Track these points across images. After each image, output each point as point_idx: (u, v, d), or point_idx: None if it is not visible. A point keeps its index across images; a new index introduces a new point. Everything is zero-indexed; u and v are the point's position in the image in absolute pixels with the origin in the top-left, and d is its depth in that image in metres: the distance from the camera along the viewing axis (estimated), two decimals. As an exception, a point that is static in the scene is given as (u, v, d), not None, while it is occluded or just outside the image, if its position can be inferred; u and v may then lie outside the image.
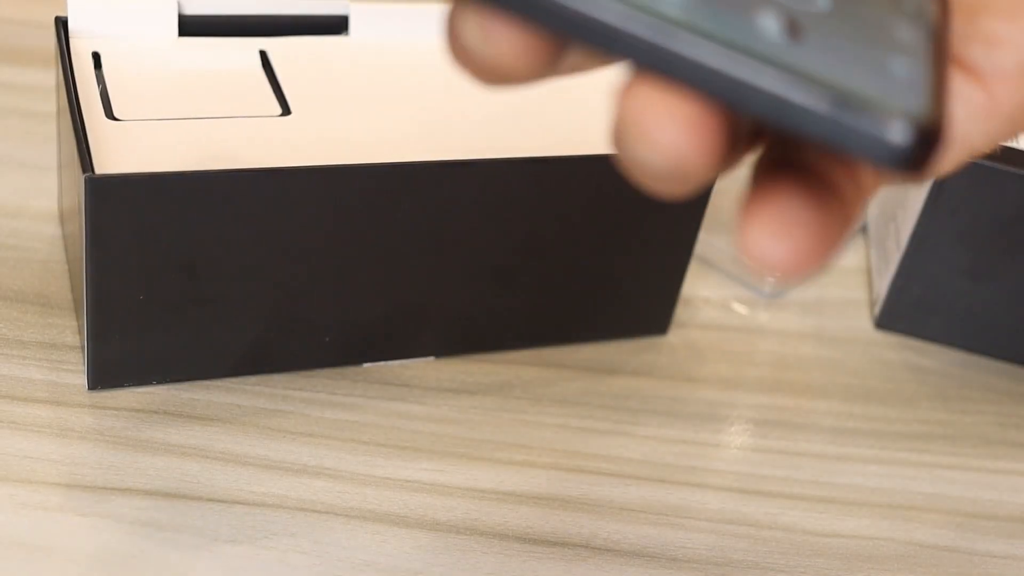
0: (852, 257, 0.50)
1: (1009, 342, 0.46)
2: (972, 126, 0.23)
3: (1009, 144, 0.44)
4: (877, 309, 0.47)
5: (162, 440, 0.37)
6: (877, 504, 0.39)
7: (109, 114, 0.37)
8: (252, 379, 0.39)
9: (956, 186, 0.43)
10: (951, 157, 0.23)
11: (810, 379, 0.44)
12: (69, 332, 0.40)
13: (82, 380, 0.38)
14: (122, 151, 0.36)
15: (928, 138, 0.18)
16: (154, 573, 0.33)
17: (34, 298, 0.41)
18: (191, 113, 0.38)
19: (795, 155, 0.21)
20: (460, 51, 0.19)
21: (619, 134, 0.19)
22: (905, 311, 0.46)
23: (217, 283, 0.37)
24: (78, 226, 0.36)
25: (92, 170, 0.34)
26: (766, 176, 0.20)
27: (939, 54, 0.21)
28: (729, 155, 0.20)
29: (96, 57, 0.39)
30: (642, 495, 0.38)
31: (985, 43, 0.23)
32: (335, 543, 0.34)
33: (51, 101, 0.49)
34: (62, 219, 0.43)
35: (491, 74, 0.19)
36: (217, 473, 0.36)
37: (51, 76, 0.52)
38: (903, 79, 0.19)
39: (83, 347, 0.38)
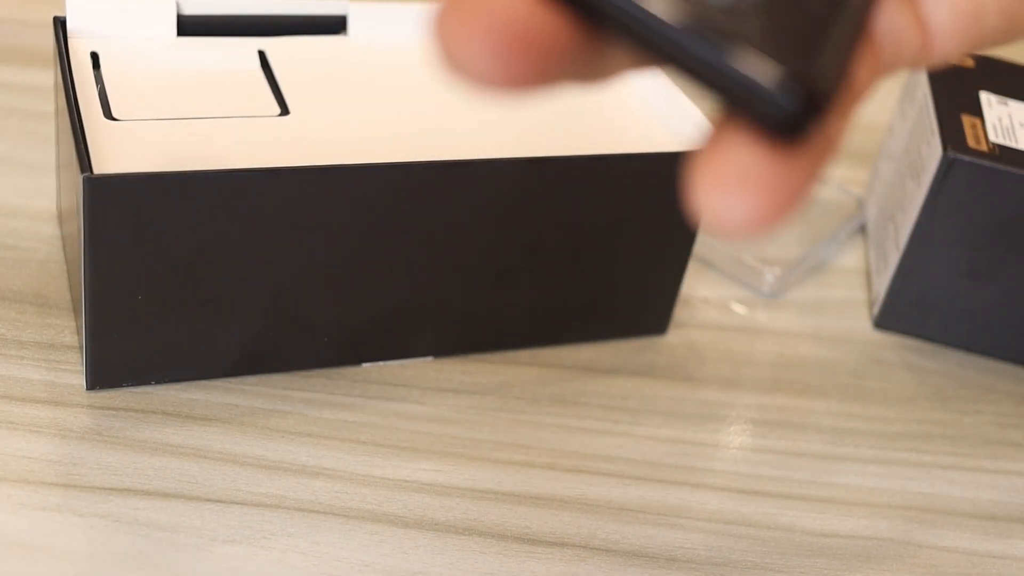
0: (851, 257, 0.50)
1: (1008, 342, 0.46)
2: (988, 1, 0.21)
3: (1009, 144, 0.44)
4: (876, 309, 0.47)
5: (160, 440, 0.37)
6: (876, 504, 0.39)
7: (108, 114, 0.37)
8: (250, 379, 0.39)
9: (955, 186, 0.43)
10: (966, 34, 0.21)
11: (809, 379, 0.44)
12: (68, 332, 0.40)
13: (80, 380, 0.38)
14: (121, 151, 0.36)
15: (814, 101, 0.17)
16: (152, 573, 0.33)
17: (33, 298, 0.41)
18: (190, 113, 0.38)
19: None
20: (443, 53, 0.17)
21: (438, 62, 0.17)
22: (904, 311, 0.46)
23: (215, 283, 0.37)
24: (77, 226, 0.36)
25: (91, 170, 0.34)
26: (722, 123, 0.18)
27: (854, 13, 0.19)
28: (560, 67, 0.17)
29: (95, 57, 0.39)
30: (641, 495, 0.38)
31: None
32: (333, 543, 0.34)
33: (50, 101, 0.49)
34: (61, 219, 0.43)
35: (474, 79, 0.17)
36: (215, 473, 0.36)
37: (50, 76, 0.52)
38: (803, 34, 0.18)
39: (81, 347, 0.38)
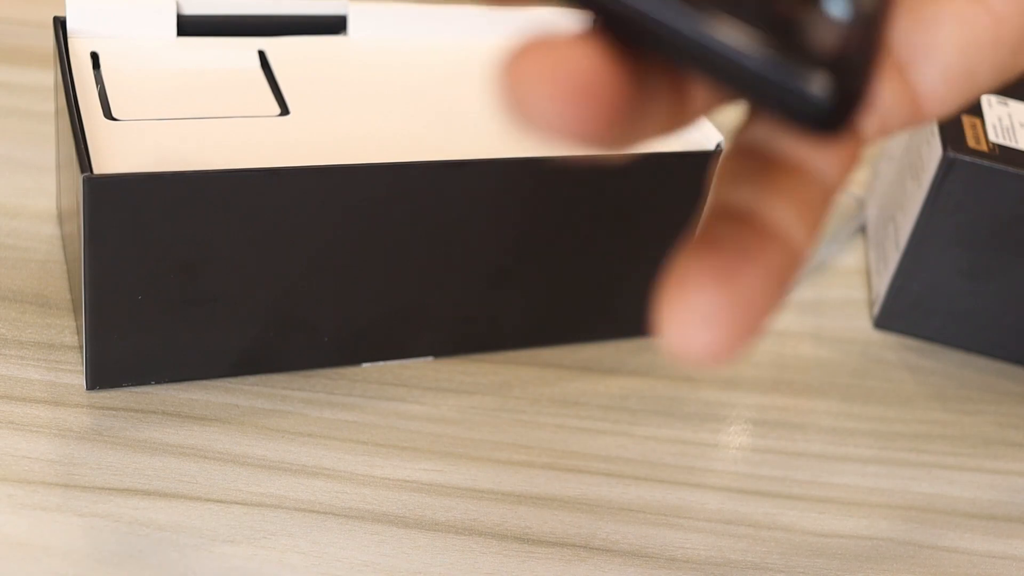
0: (851, 257, 0.50)
1: (1008, 342, 0.46)
2: (980, 58, 0.21)
3: (1009, 144, 0.44)
4: (876, 309, 0.47)
5: (160, 440, 0.37)
6: (876, 504, 0.39)
7: (108, 114, 0.37)
8: (250, 379, 0.39)
9: (955, 186, 0.43)
10: (958, 93, 0.21)
11: (809, 379, 0.44)
12: (68, 332, 0.40)
13: (80, 380, 0.38)
14: (120, 151, 0.36)
15: (849, 98, 0.18)
16: (152, 573, 0.33)
17: (33, 298, 0.41)
18: (190, 113, 0.38)
19: (732, 195, 0.20)
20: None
21: (505, 107, 0.17)
22: (904, 311, 0.46)
23: (215, 283, 0.37)
24: (77, 226, 0.36)
25: (91, 170, 0.34)
26: (689, 253, 0.19)
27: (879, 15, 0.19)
28: (631, 122, 0.18)
29: (95, 57, 0.39)
30: (641, 495, 0.38)
31: (912, 18, 0.21)
32: (333, 543, 0.34)
33: (50, 101, 0.49)
34: (61, 219, 0.43)
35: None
36: (215, 473, 0.36)
37: (50, 76, 0.52)
38: (833, 34, 0.18)
39: (81, 347, 0.38)
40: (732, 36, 0.18)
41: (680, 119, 0.19)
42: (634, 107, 0.17)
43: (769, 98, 0.18)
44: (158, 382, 0.38)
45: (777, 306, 0.19)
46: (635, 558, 0.36)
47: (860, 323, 0.47)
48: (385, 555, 0.34)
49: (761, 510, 0.38)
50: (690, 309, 0.18)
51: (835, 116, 0.18)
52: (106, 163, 0.35)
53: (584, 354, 0.43)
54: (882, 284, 0.47)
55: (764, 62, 0.18)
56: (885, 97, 0.20)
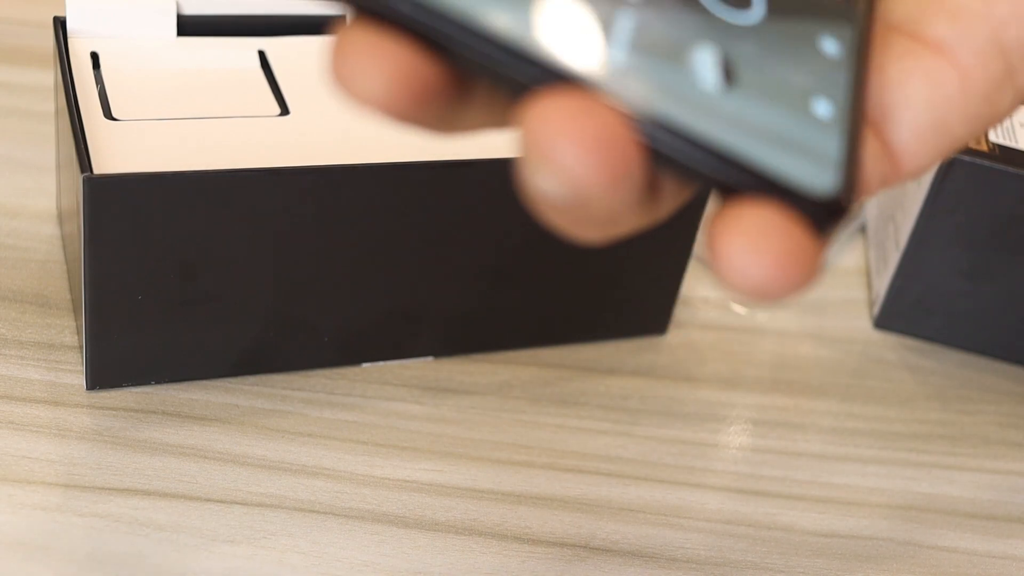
0: (851, 257, 0.50)
1: (1008, 342, 0.46)
2: (950, 111, 0.21)
3: (1009, 144, 0.44)
4: (876, 309, 0.47)
5: (160, 440, 0.37)
6: (876, 504, 0.39)
7: (108, 114, 0.37)
8: (250, 379, 0.39)
9: (955, 186, 0.43)
10: (933, 148, 0.21)
11: (809, 379, 0.44)
12: (68, 332, 0.40)
13: (80, 380, 0.38)
14: (120, 151, 0.36)
15: (839, 204, 0.19)
16: (152, 573, 0.33)
17: (33, 298, 0.41)
18: (190, 113, 0.38)
19: None
20: (343, 80, 0.17)
21: (523, 159, 0.17)
22: (904, 311, 0.46)
23: (215, 283, 0.37)
24: (77, 226, 0.36)
25: (91, 170, 0.34)
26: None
27: (858, 104, 0.20)
28: (644, 198, 0.18)
29: (95, 57, 0.39)
30: (641, 495, 0.38)
31: (949, 15, 0.21)
32: (333, 543, 0.34)
33: (50, 101, 0.49)
34: (61, 219, 0.43)
35: (377, 107, 0.18)
36: (215, 473, 0.36)
37: (50, 76, 0.52)
38: (823, 134, 0.19)
39: (81, 347, 0.38)
40: (730, 138, 0.18)
41: (654, 213, 0.20)
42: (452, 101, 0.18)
43: (767, 196, 0.18)
44: (158, 382, 0.38)
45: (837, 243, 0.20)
46: (635, 558, 0.36)
47: (860, 323, 0.47)
48: (385, 555, 0.34)
49: (761, 510, 0.38)
50: (748, 223, 0.18)
51: (834, 212, 0.19)
52: (106, 163, 0.35)
53: (584, 354, 0.43)
54: (882, 284, 0.47)
55: (766, 167, 0.18)
56: (864, 157, 0.21)
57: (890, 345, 0.46)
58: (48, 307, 0.41)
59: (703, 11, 0.20)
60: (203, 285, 0.37)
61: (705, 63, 0.19)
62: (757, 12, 0.20)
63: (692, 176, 0.19)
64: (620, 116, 0.17)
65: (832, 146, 0.19)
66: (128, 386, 0.38)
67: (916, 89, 0.21)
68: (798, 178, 0.18)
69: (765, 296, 0.18)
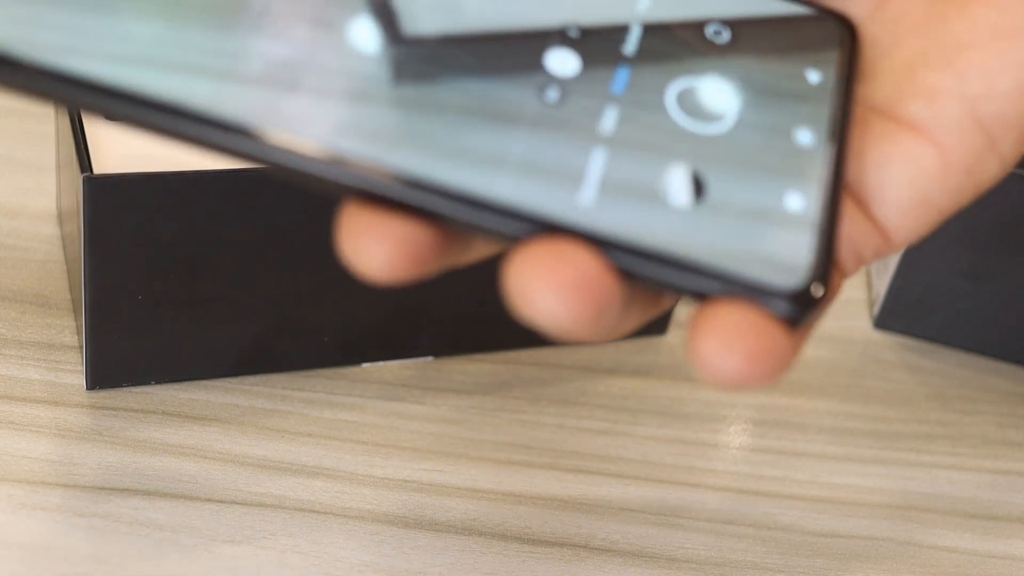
0: (851, 257, 0.50)
1: (1009, 342, 0.46)
2: (932, 187, 0.22)
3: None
4: (876, 309, 0.47)
5: (160, 440, 0.37)
6: (876, 504, 0.39)
7: (108, 114, 0.37)
8: (251, 379, 0.39)
9: (955, 186, 0.43)
10: (920, 223, 0.22)
11: (809, 379, 0.44)
12: (68, 332, 0.40)
13: (81, 380, 0.38)
14: (120, 151, 0.36)
15: (810, 295, 0.19)
16: (152, 573, 0.33)
17: (33, 298, 0.41)
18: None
19: None
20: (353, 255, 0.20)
21: (512, 303, 0.19)
22: (904, 311, 0.46)
23: (216, 283, 0.37)
24: (77, 226, 0.36)
25: (90, 170, 0.34)
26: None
27: (835, 193, 0.21)
28: (623, 314, 0.20)
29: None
30: (641, 495, 0.38)
31: (925, 97, 0.22)
32: (333, 543, 0.34)
33: (50, 101, 0.49)
34: (61, 219, 0.43)
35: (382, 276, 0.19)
36: (215, 473, 0.36)
37: (50, 76, 0.52)
38: (794, 230, 0.20)
39: (82, 347, 0.38)
40: (705, 251, 0.19)
41: (656, 309, 0.21)
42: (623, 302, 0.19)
43: (740, 297, 0.19)
44: (158, 382, 0.38)
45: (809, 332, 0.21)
46: (635, 558, 0.36)
47: (860, 323, 0.47)
48: (385, 555, 0.34)
49: (761, 510, 0.38)
50: (725, 321, 0.20)
51: (806, 303, 0.19)
52: (106, 163, 0.35)
53: (584, 354, 0.43)
54: (882, 284, 0.47)
55: (737, 275, 0.19)
56: (855, 232, 0.22)
57: (890, 345, 0.46)
58: (48, 307, 0.40)
59: (671, 127, 0.21)
60: (203, 285, 0.37)
61: (674, 184, 0.20)
62: (727, 119, 0.21)
63: (668, 289, 0.20)
64: (595, 254, 0.19)
65: (803, 240, 0.20)
66: (128, 386, 0.38)
67: (897, 169, 0.22)
68: (768, 279, 0.19)
69: (741, 388, 0.19)
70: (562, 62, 0.21)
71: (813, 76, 0.22)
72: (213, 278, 0.37)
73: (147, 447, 0.36)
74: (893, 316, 0.46)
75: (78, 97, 0.19)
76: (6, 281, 0.41)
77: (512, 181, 0.19)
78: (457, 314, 0.41)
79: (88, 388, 0.38)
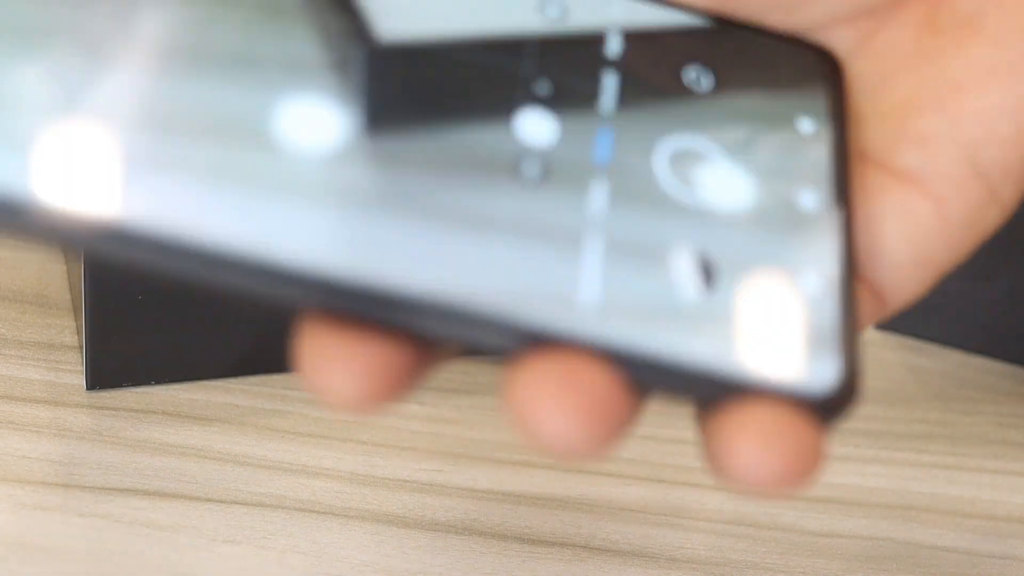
0: (851, 257, 0.50)
1: (1009, 342, 0.46)
2: (929, 243, 0.20)
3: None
4: (876, 309, 0.47)
5: (161, 440, 0.37)
6: (877, 504, 0.39)
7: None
8: (251, 379, 0.39)
9: (955, 186, 0.43)
10: (918, 282, 0.21)
11: (809, 379, 0.44)
12: (68, 332, 0.40)
13: (81, 380, 0.38)
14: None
15: (847, 395, 0.18)
16: (152, 573, 0.33)
17: (33, 298, 0.41)
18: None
19: None
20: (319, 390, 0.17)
21: (513, 425, 0.17)
22: (904, 311, 0.46)
23: (216, 283, 0.37)
24: (76, 226, 0.36)
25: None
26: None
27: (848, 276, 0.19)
28: (625, 425, 0.18)
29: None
30: (641, 495, 0.38)
31: (918, 143, 0.20)
32: (333, 543, 0.34)
33: (50, 101, 0.49)
34: (61, 219, 0.43)
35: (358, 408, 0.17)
36: (216, 473, 0.36)
37: (50, 76, 0.52)
38: (816, 316, 0.18)
39: (81, 347, 0.38)
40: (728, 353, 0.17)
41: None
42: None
43: (774, 397, 0.18)
44: (158, 382, 0.38)
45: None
46: (635, 558, 0.36)
47: (860, 323, 0.47)
48: (385, 555, 0.34)
49: (761, 510, 0.38)
50: (757, 419, 0.18)
51: (842, 402, 0.18)
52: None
53: (584, 354, 0.43)
54: (882, 284, 0.46)
55: (762, 377, 0.17)
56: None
57: (890, 345, 0.46)
58: (48, 307, 0.40)
59: (666, 201, 0.18)
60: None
61: (682, 273, 0.18)
62: (724, 186, 0.19)
63: (689, 399, 0.18)
64: (604, 370, 0.17)
65: (827, 328, 0.18)
66: (128, 386, 0.38)
67: (892, 227, 0.20)
68: (798, 379, 0.17)
69: (774, 493, 0.17)
70: (537, 128, 0.18)
71: (806, 126, 0.20)
72: (213, 278, 0.36)
73: (147, 447, 0.36)
74: (893, 316, 0.46)
75: None
76: (6, 281, 0.41)
77: (502, 285, 0.17)
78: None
79: (88, 388, 0.38)
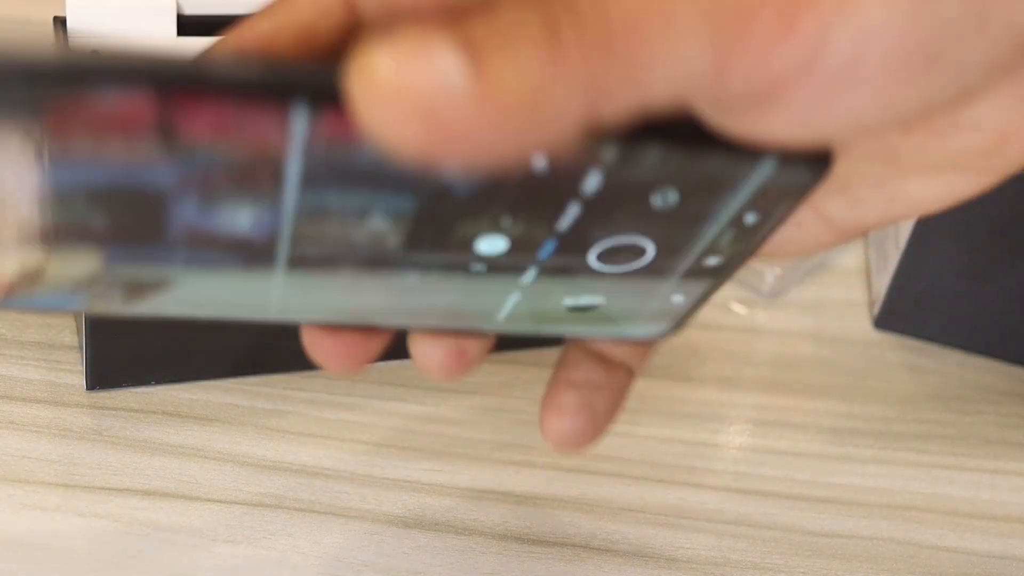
0: (851, 257, 0.50)
1: (1009, 342, 0.46)
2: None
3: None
4: (876, 309, 0.47)
5: (160, 440, 0.37)
6: (876, 504, 0.39)
7: (108, 114, 0.37)
8: (251, 379, 0.39)
9: (955, 186, 0.43)
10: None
11: (809, 379, 0.44)
12: (67, 332, 0.40)
13: (80, 380, 0.38)
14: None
15: None
16: (152, 573, 0.33)
17: (33, 298, 0.41)
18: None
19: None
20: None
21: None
22: (904, 311, 0.46)
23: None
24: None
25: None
26: (560, 370, 0.27)
27: None
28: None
29: (95, 57, 0.39)
30: (641, 495, 0.38)
31: (849, 200, 0.23)
32: (334, 543, 0.34)
33: (50, 101, 0.49)
34: (61, 219, 0.43)
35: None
36: (215, 473, 0.36)
37: (50, 76, 0.52)
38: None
39: (81, 347, 0.38)
40: None
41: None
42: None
43: None
44: (158, 382, 0.38)
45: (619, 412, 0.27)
46: (635, 558, 0.36)
47: (860, 323, 0.47)
48: (385, 555, 0.34)
49: (761, 510, 0.38)
50: (567, 403, 0.26)
51: None
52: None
53: (584, 354, 0.43)
54: (882, 284, 0.47)
55: None
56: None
57: (890, 345, 0.46)
58: (48, 307, 0.40)
59: None
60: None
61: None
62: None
63: None
64: None
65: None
66: (128, 386, 0.38)
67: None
68: None
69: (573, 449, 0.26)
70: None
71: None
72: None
73: (147, 447, 0.36)
74: (893, 316, 0.46)
75: None
76: (6, 281, 0.41)
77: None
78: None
79: (88, 388, 0.38)
